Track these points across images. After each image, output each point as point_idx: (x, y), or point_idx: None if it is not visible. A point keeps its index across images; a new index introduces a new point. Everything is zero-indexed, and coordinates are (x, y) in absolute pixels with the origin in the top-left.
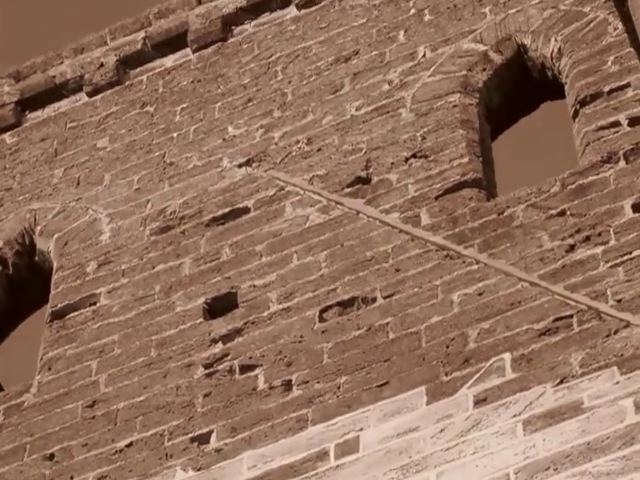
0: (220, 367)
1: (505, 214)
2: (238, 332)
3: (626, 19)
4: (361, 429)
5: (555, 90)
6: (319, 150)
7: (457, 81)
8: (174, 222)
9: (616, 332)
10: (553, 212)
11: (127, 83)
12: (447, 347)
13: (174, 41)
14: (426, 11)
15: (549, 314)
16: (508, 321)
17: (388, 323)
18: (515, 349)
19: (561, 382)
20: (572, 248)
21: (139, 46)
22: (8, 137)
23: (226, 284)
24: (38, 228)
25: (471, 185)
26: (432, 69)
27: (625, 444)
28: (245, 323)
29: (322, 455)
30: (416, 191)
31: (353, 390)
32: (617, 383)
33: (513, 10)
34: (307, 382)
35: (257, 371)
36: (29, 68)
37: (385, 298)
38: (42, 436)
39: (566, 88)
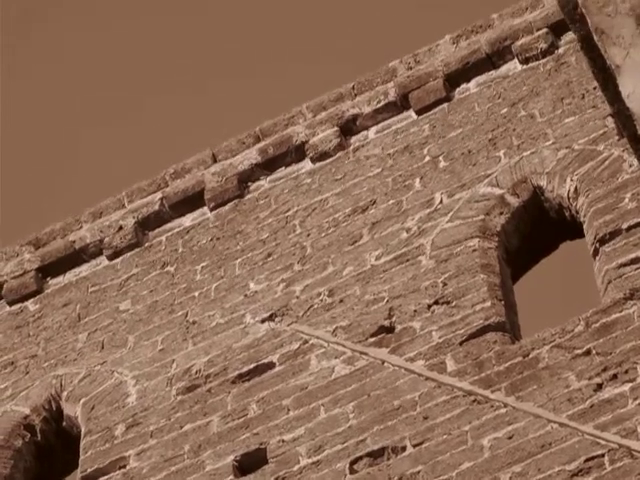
0: None
1: (530, 356)
2: None
3: None
4: None
5: (574, 229)
6: (341, 301)
7: (475, 226)
8: (200, 381)
9: None
10: (579, 352)
11: (146, 244)
12: None
13: (191, 200)
14: (440, 157)
15: (580, 454)
16: (540, 463)
17: (419, 472)
18: None
19: None
20: (600, 387)
21: (156, 207)
22: (31, 304)
23: (255, 440)
24: (64, 394)
25: (495, 329)
26: (450, 215)
27: None
28: (276, 479)
29: None
30: (440, 337)
31: None
32: None
33: (527, 152)
34: None
35: None
36: (48, 234)
37: (415, 446)
38: None
39: (585, 227)
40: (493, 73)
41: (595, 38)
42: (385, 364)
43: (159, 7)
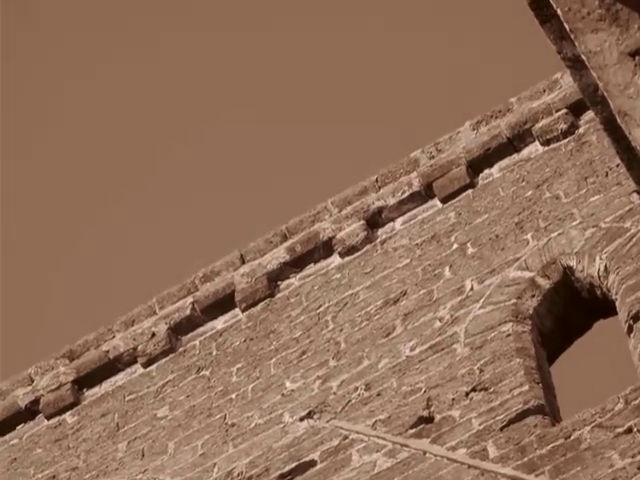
0: None
1: (572, 438)
2: None
3: None
4: None
5: (606, 308)
6: (378, 394)
7: (508, 310)
8: None
9: None
10: (620, 430)
11: (180, 350)
12: None
13: (222, 303)
14: (468, 244)
15: None
16: None
17: None
18: None
19: None
20: None
21: (188, 312)
22: (69, 417)
23: None
24: None
25: (534, 412)
26: (481, 301)
27: None
28: None
29: None
30: (480, 424)
31: None
32: None
33: (555, 233)
34: None
35: None
36: (82, 346)
37: None
38: None
39: (617, 305)
40: (515, 157)
41: (618, 120)
42: (427, 454)
43: (178, 112)
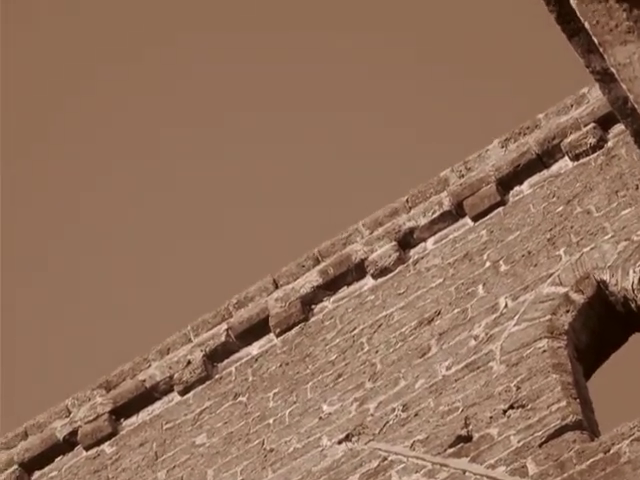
0: None
1: (611, 452)
2: None
3: None
4: None
5: None
6: (416, 415)
7: (543, 326)
8: None
9: None
10: None
11: (217, 376)
12: None
13: (257, 328)
14: (501, 262)
15: None
16: None
17: None
18: None
19: None
20: None
21: (223, 338)
22: (107, 447)
23: None
24: None
25: (573, 428)
26: (516, 318)
27: None
28: None
29: None
30: (519, 442)
31: None
32: None
33: (587, 248)
34: None
35: None
36: (118, 376)
37: None
38: None
39: None
40: (545, 173)
41: None
42: (466, 474)
43: (211, 144)
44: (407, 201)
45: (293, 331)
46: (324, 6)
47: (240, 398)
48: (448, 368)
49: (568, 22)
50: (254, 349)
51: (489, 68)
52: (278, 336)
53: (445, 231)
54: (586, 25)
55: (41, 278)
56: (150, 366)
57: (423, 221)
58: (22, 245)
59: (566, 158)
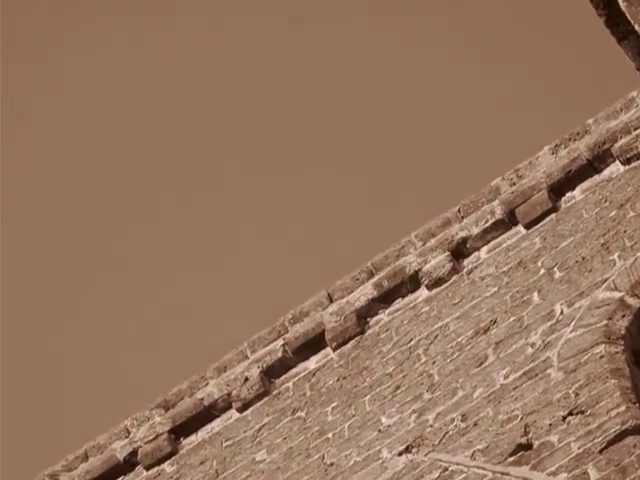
0: None
1: None
2: None
3: None
4: None
5: None
6: (475, 424)
7: (599, 332)
8: None
9: None
10: None
11: (274, 392)
12: None
13: (313, 343)
14: (555, 268)
15: None
16: None
17: None
18: None
19: None
20: None
21: (279, 354)
22: (167, 466)
23: None
24: None
25: (633, 432)
26: (572, 324)
27: None
28: None
29: None
30: (579, 448)
31: None
32: None
33: None
34: None
35: None
36: (176, 395)
37: None
38: None
39: None
40: (596, 178)
41: None
42: None
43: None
44: (459, 211)
45: (349, 345)
46: None
47: (299, 413)
48: (506, 377)
49: (617, 25)
50: (311, 364)
51: (537, 76)
52: (335, 350)
53: (498, 240)
54: (636, 27)
55: (99, 297)
56: (208, 384)
57: (476, 230)
58: (77, 262)
59: (617, 162)
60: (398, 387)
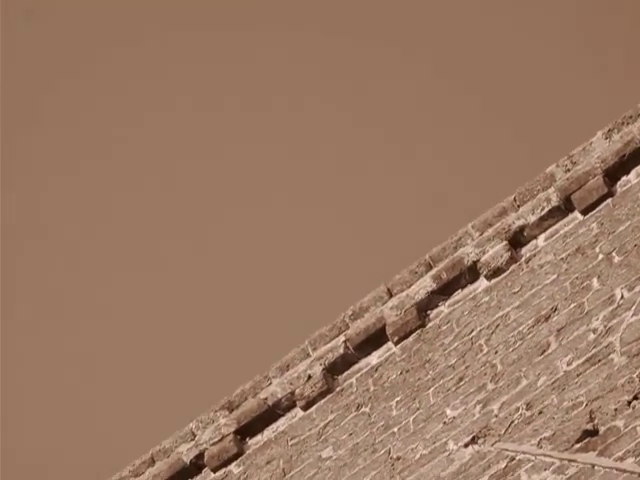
0: None
1: None
2: None
3: None
4: None
5: None
6: (540, 413)
7: None
8: None
9: None
10: None
11: (338, 389)
12: None
13: (374, 338)
14: (614, 253)
15: None
16: None
17: None
18: None
19: None
20: None
21: (341, 350)
22: (234, 467)
23: None
24: None
25: None
26: (633, 308)
27: None
28: None
29: None
30: None
31: None
32: None
33: None
34: None
35: None
36: (240, 396)
37: None
38: None
39: None
40: None
41: None
42: (596, 468)
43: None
44: (515, 200)
45: (411, 338)
46: None
47: (363, 409)
48: (569, 363)
49: None
50: (373, 359)
51: (588, 63)
52: (396, 344)
53: (555, 227)
54: None
55: (166, 300)
56: (271, 383)
57: (532, 218)
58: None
59: None
60: (461, 378)
